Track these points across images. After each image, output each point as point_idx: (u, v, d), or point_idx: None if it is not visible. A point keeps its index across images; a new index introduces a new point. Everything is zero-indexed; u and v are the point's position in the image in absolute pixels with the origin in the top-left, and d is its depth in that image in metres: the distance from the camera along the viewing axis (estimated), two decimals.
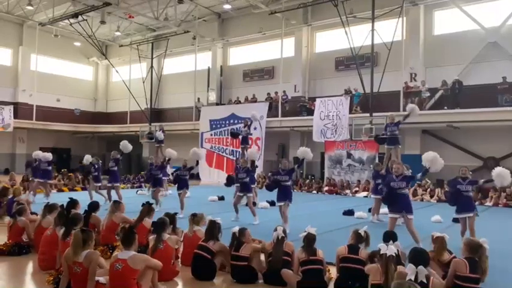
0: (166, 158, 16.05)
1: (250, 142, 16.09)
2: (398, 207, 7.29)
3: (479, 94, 16.79)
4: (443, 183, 16.52)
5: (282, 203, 8.73)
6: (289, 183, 8.94)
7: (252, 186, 13.63)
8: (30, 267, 5.98)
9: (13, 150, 26.75)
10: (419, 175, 7.63)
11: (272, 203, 11.91)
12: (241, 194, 10.14)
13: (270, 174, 11.45)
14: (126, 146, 12.56)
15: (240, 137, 15.29)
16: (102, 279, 4.36)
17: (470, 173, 7.89)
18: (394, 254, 4.22)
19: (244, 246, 5.43)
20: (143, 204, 6.79)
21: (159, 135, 17.41)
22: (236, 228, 5.61)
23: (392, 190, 7.34)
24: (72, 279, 4.39)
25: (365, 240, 5.23)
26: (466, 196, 7.57)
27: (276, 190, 8.94)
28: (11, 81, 26.96)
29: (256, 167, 14.65)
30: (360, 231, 5.23)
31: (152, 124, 24.99)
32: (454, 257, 4.98)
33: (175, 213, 6.66)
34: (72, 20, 21.91)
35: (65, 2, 23.00)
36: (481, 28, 17.91)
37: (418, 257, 3.99)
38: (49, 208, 6.68)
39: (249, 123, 15.25)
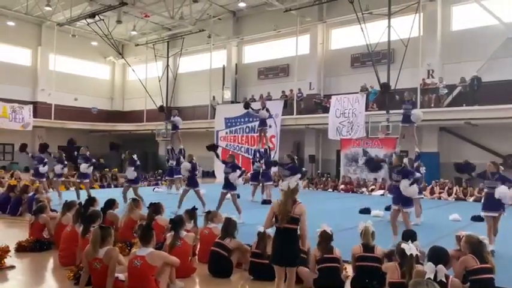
0: (181, 147, 16.14)
1: (267, 124, 15.98)
2: (396, 199, 7.53)
3: (498, 90, 16.44)
4: (462, 182, 16.30)
5: None
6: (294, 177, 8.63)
7: (269, 183, 13.79)
8: (51, 263, 6.10)
9: (32, 149, 27.21)
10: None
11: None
12: (225, 191, 9.48)
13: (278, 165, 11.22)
14: None
15: (259, 119, 15.40)
16: (121, 276, 4.43)
17: (502, 168, 7.27)
18: (418, 254, 4.20)
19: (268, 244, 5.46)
20: (150, 205, 6.82)
21: (177, 120, 17.37)
22: (262, 228, 5.59)
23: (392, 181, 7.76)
24: (92, 275, 4.48)
25: (367, 236, 5.20)
26: (493, 193, 6.98)
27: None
28: (30, 80, 27.46)
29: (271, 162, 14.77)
30: (361, 230, 5.25)
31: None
32: None
33: (196, 208, 6.72)
34: (89, 20, 22.16)
35: (82, 3, 23.30)
36: (500, 23, 17.52)
37: (438, 255, 3.96)
38: (68, 205, 6.80)
39: (266, 105, 15.36)
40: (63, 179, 13.70)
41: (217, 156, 10.52)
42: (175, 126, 17.68)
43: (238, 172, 9.46)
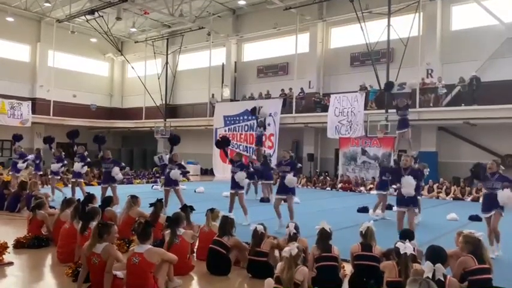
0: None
1: (262, 142, 16.02)
2: (404, 202, 7.16)
3: (497, 90, 16.48)
4: (460, 181, 16.34)
5: (284, 196, 8.27)
6: (291, 173, 8.43)
7: (270, 182, 13.76)
8: (49, 259, 6.10)
9: (31, 145, 27.10)
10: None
11: (285, 200, 11.82)
12: (233, 191, 9.17)
13: (275, 166, 10.98)
14: None
15: (255, 135, 15.35)
16: (119, 273, 4.42)
17: (503, 168, 7.08)
18: (412, 253, 4.21)
19: (264, 242, 5.48)
20: (153, 203, 6.82)
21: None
22: (258, 226, 5.60)
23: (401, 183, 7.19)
24: (90, 270, 4.48)
25: (369, 236, 5.18)
26: (491, 194, 6.81)
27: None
28: (29, 77, 27.43)
29: (270, 161, 14.72)
30: (363, 230, 5.21)
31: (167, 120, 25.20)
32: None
33: (190, 206, 6.71)
34: (88, 17, 22.14)
35: None
36: (500, 23, 17.54)
37: (436, 254, 3.96)
38: (67, 202, 6.80)
39: (263, 122, 15.30)
40: (59, 177, 13.66)
41: (226, 154, 10.19)
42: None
43: (244, 172, 9.15)
